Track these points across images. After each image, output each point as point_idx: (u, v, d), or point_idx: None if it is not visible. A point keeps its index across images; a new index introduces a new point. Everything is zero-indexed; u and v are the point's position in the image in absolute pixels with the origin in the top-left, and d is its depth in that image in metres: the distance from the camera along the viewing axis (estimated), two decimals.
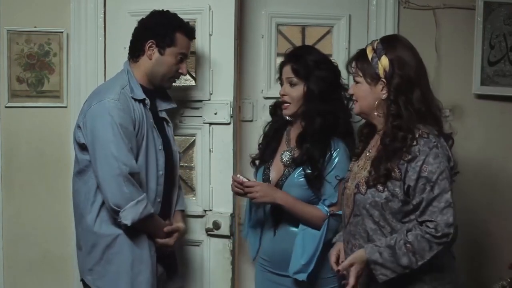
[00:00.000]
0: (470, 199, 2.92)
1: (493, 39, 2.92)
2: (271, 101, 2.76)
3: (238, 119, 2.86)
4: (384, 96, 2.11)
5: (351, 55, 2.84)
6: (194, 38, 2.56)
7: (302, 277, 2.39)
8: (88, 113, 2.34)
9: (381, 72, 2.10)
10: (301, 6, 2.91)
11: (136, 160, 2.35)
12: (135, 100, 2.39)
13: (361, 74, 2.15)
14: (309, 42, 2.94)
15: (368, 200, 2.08)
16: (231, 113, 2.71)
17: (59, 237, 2.98)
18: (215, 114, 2.72)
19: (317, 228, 2.39)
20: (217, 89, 2.73)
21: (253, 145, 2.88)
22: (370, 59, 2.12)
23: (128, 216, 2.27)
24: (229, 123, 2.72)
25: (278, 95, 2.60)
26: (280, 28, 2.94)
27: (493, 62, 2.93)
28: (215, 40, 2.72)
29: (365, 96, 2.15)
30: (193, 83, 2.81)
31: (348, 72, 2.25)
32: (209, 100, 2.74)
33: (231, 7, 2.69)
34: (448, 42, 2.94)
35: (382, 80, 2.10)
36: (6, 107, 2.92)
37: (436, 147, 2.02)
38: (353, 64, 2.19)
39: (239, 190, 2.47)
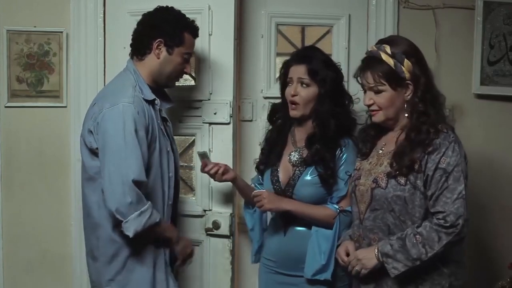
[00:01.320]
0: (469, 198, 2.90)
1: (493, 39, 2.92)
2: (271, 101, 2.76)
3: (238, 119, 2.86)
4: (409, 96, 2.15)
5: (351, 55, 2.86)
6: (198, 36, 2.53)
7: (325, 276, 2.35)
8: (100, 117, 2.25)
9: (407, 76, 2.13)
10: (301, 6, 2.91)
11: (150, 165, 2.28)
12: (145, 101, 2.33)
13: (385, 82, 2.14)
14: (309, 42, 2.94)
15: (390, 194, 2.11)
16: (231, 113, 2.71)
17: (59, 237, 2.98)
18: (215, 114, 2.72)
19: (329, 227, 2.38)
20: (217, 89, 2.73)
21: (253, 145, 2.89)
22: (393, 65, 2.12)
23: (130, 228, 2.19)
24: (228, 123, 2.72)
25: (278, 95, 2.58)
26: (280, 28, 2.94)
27: (492, 62, 2.94)
28: (215, 40, 2.72)
29: (393, 102, 2.16)
30: (193, 83, 2.81)
31: (359, 82, 2.24)
32: (209, 100, 2.74)
33: (231, 7, 2.70)
34: (448, 42, 2.94)
35: (407, 83, 2.13)
36: (5, 107, 2.92)
37: (455, 142, 2.09)
38: (367, 74, 2.17)
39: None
